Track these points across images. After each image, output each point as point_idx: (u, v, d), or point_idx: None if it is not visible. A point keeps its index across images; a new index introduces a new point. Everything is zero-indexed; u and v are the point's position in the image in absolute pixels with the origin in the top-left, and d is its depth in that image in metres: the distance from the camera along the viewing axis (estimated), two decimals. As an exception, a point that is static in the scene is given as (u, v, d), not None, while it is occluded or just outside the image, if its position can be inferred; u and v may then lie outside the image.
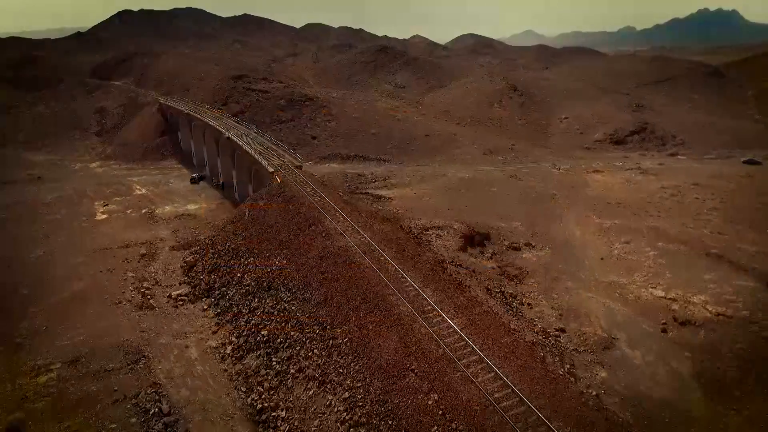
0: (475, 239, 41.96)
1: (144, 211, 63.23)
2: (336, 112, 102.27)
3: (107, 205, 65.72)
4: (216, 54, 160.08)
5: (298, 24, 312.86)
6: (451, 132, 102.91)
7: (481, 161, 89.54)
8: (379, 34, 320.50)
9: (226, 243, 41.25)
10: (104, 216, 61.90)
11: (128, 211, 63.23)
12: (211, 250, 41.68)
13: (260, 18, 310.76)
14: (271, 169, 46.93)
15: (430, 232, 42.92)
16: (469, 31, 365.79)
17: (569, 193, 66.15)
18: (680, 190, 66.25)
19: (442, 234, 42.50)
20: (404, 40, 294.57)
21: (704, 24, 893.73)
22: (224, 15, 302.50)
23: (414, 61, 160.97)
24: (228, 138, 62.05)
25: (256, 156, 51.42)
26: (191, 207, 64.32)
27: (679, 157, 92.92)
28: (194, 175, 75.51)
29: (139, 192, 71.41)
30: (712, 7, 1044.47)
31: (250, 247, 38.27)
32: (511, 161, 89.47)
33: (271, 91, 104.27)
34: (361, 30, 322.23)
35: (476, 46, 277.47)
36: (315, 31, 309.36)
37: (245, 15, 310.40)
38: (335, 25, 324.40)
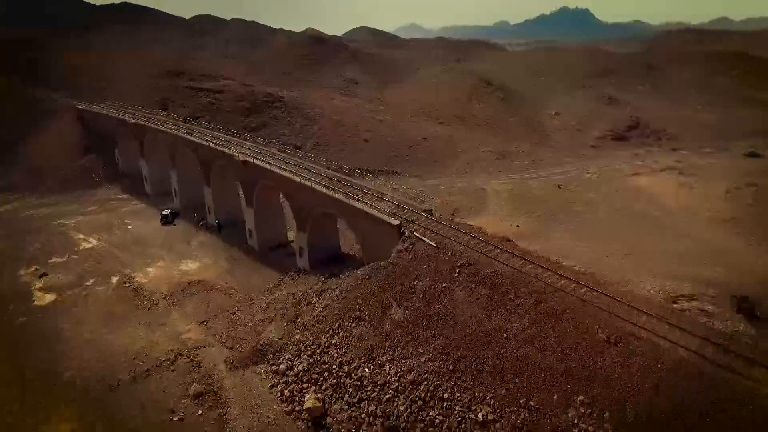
0: (743, 310, 29.03)
1: (116, 279, 40.95)
2: (313, 115, 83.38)
3: (44, 275, 41.91)
4: (130, 47, 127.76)
5: (186, 15, 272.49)
6: (445, 134, 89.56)
7: (500, 168, 77.79)
8: (275, 26, 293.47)
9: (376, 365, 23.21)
10: (50, 297, 38.62)
11: (89, 284, 40.40)
12: (346, 379, 23.27)
13: (142, 6, 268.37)
14: (395, 222, 29.10)
15: (683, 308, 28.62)
16: (356, 25, 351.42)
17: (656, 210, 56.68)
18: (749, 195, 60.15)
19: (704, 308, 28.61)
20: (301, 33, 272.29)
21: (565, 20, 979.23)
22: (97, 3, 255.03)
23: (359, 55, 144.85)
24: (244, 162, 42.31)
25: (345, 199, 32.66)
26: (190, 267, 43.11)
27: (681, 152, 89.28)
28: (165, 211, 52.92)
29: (86, 245, 47.76)
30: (571, 6, 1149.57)
31: (464, 380, 20.86)
32: (531, 166, 78.79)
33: (225, 91, 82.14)
34: (255, 22, 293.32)
35: (379, 39, 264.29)
36: (208, 23, 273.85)
37: (125, 3, 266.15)
38: (227, 17, 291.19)
